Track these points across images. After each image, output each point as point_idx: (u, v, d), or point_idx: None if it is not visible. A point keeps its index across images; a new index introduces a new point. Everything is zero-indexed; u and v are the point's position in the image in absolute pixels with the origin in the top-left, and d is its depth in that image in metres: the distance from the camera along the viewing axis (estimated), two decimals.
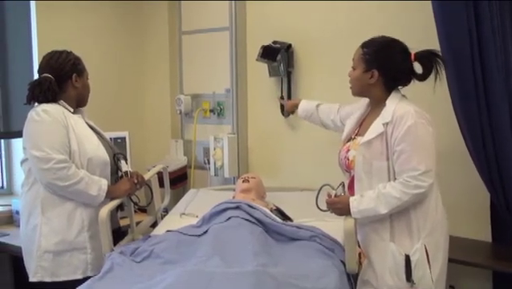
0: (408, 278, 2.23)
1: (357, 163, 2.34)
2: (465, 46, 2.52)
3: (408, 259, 2.24)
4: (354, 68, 2.41)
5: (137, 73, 4.24)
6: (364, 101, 2.52)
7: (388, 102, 2.33)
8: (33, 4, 3.56)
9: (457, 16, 2.51)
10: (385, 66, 2.33)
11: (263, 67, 3.58)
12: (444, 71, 2.35)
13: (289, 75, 3.52)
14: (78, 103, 2.70)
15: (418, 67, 2.36)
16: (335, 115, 2.82)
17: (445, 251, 2.33)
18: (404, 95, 2.38)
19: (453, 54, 2.53)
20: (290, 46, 3.48)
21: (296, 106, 3.13)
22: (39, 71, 2.63)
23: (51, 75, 2.57)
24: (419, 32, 2.74)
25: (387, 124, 2.27)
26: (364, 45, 2.38)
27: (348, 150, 2.43)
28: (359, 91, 2.43)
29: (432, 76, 2.33)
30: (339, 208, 2.33)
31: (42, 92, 2.54)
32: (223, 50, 3.80)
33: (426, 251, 2.24)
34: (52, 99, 2.56)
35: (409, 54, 2.34)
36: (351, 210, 2.27)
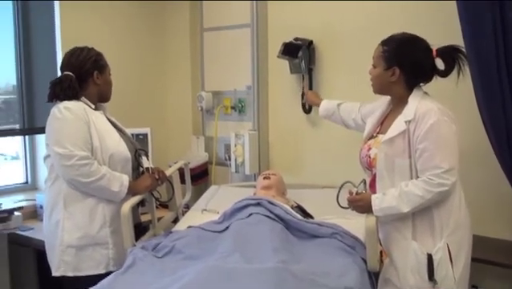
0: (431, 278, 2.20)
1: (379, 161, 2.31)
2: (489, 40, 2.47)
3: (430, 258, 2.20)
4: (374, 66, 2.37)
5: (159, 70, 4.26)
6: (385, 99, 2.48)
7: (410, 99, 2.29)
8: (57, 4, 3.59)
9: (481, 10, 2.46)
10: (406, 63, 2.29)
11: (284, 63, 3.56)
12: (467, 67, 2.31)
13: (310, 71, 3.49)
14: (100, 99, 2.71)
15: (440, 64, 2.32)
16: (357, 113, 2.79)
17: (468, 250, 2.29)
18: (426, 92, 2.34)
19: (475, 48, 2.48)
20: (311, 42, 3.46)
21: (317, 105, 3.10)
22: (61, 69, 2.64)
23: (72, 72, 2.58)
24: (441, 28, 2.70)
25: (409, 121, 2.23)
26: (384, 42, 2.34)
27: (370, 148, 2.40)
28: (380, 89, 2.39)
29: (454, 72, 2.28)
30: (361, 205, 2.30)
31: (63, 90, 2.55)
32: (244, 47, 3.79)
33: (449, 250, 2.20)
34: (73, 96, 2.56)
35: (431, 50, 2.29)
36: (373, 208, 2.24)
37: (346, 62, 3.38)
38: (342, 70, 3.41)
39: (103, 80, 2.68)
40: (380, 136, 2.37)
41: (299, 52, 3.41)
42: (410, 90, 2.32)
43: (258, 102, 3.78)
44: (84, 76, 2.61)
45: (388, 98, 2.46)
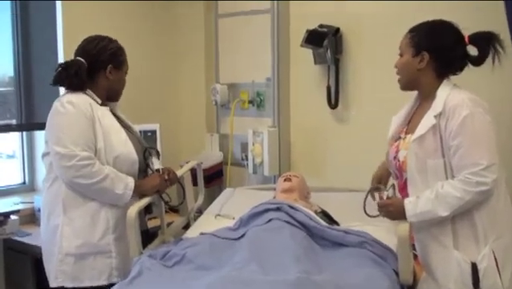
0: (476, 288, 2.16)
1: (409, 163, 2.28)
2: None
3: (474, 267, 2.16)
4: (401, 55, 2.37)
5: (169, 60, 4.26)
6: (413, 95, 2.46)
7: (438, 92, 2.27)
8: (59, 4, 3.59)
9: None
10: (436, 48, 2.28)
11: (308, 53, 3.55)
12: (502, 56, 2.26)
13: (337, 62, 3.47)
14: (109, 97, 2.70)
15: (473, 51, 2.30)
16: None
17: None
18: (455, 84, 2.31)
19: None
20: (338, 30, 3.44)
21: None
22: (75, 54, 2.65)
23: (85, 60, 2.58)
24: (480, 19, 2.66)
25: (439, 115, 2.21)
26: (412, 29, 2.36)
27: (398, 150, 2.38)
28: (407, 80, 2.37)
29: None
30: (391, 211, 2.29)
31: (68, 77, 2.55)
32: (264, 35, 3.78)
33: (495, 257, 2.17)
34: (78, 86, 2.56)
35: (462, 36, 2.28)
36: (407, 214, 2.22)
37: (376, 51, 3.35)
38: (371, 60, 3.38)
39: (116, 77, 2.67)
40: (409, 136, 2.35)
41: (325, 41, 3.39)
42: (439, 80, 2.30)
43: (279, 96, 3.77)
44: (96, 67, 2.61)
45: (415, 94, 2.44)
